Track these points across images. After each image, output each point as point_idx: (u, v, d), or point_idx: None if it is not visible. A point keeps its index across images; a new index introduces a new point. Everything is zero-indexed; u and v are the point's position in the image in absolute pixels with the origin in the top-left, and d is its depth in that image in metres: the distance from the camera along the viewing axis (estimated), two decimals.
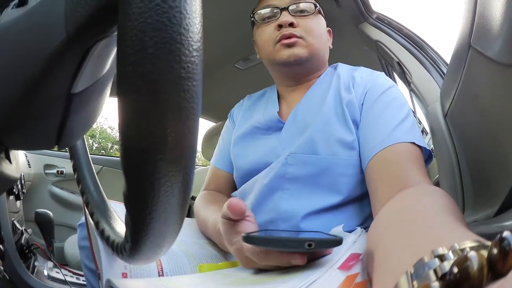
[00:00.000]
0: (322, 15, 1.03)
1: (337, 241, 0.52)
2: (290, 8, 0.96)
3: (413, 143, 0.74)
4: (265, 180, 0.91)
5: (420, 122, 1.47)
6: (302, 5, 0.97)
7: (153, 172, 0.27)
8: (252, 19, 1.03)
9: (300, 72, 0.99)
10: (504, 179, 0.60)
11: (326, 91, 0.95)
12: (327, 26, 1.05)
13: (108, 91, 0.45)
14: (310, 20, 0.97)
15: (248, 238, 0.55)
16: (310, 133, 0.89)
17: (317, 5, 1.00)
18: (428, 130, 1.19)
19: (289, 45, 0.93)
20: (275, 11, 0.97)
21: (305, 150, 0.88)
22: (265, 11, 0.99)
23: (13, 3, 0.37)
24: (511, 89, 0.54)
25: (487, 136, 0.68)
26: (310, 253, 0.57)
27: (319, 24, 1.00)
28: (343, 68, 1.02)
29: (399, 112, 0.81)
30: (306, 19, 0.97)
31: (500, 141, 0.62)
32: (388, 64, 1.58)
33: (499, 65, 0.53)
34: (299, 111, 0.96)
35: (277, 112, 0.99)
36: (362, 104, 0.88)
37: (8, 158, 0.42)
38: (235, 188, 1.08)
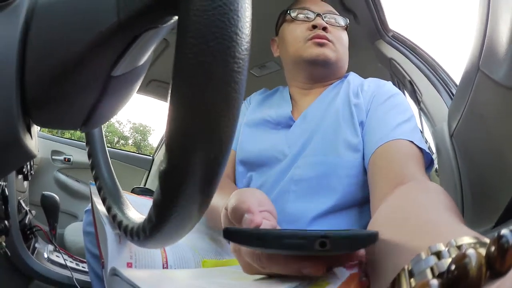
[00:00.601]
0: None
1: (370, 236, 0.37)
2: (325, 16, 1.01)
3: (412, 142, 0.76)
4: (272, 181, 0.92)
5: (426, 141, 1.48)
6: (337, 17, 1.04)
7: (195, 151, 0.30)
8: (286, 15, 1.06)
9: (321, 75, 1.02)
10: (502, 197, 0.62)
11: (336, 95, 0.98)
12: None
13: (141, 79, 0.47)
14: (340, 32, 1.03)
15: (228, 233, 0.40)
16: (318, 135, 0.91)
17: (348, 22, 1.07)
18: (434, 150, 1.20)
19: (321, 44, 0.97)
20: (310, 14, 1.02)
21: (312, 152, 0.90)
22: (302, 11, 1.03)
23: None
24: None
25: (489, 156, 0.70)
26: (330, 259, 0.42)
27: (346, 38, 1.05)
28: (353, 76, 1.05)
29: (402, 115, 0.84)
30: (337, 30, 1.02)
31: (501, 161, 0.64)
32: (400, 82, 1.59)
33: (504, 88, 0.55)
34: (310, 113, 0.98)
35: (290, 111, 1.02)
36: (369, 108, 0.91)
37: (30, 132, 0.42)
38: None
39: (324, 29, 0.98)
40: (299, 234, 0.35)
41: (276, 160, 0.95)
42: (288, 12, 1.06)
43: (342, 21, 1.05)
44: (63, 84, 0.37)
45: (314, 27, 0.99)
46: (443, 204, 0.49)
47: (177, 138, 0.30)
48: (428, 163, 0.79)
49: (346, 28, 1.07)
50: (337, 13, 1.05)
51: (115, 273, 0.50)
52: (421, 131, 1.42)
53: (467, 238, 0.28)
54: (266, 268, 0.45)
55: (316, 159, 0.89)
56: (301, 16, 1.03)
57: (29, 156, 0.41)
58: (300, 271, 0.41)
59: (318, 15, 1.01)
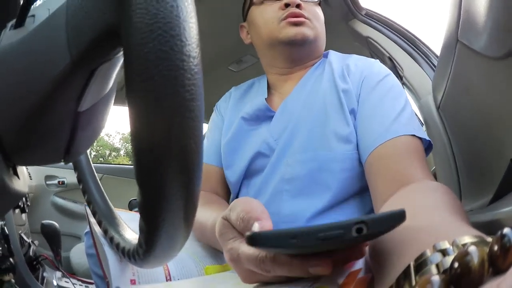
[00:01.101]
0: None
1: (401, 214, 0.35)
2: None
3: (413, 135, 0.72)
4: (264, 182, 0.89)
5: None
6: None
7: (165, 183, 0.29)
8: None
9: (300, 55, 0.95)
10: (498, 167, 0.61)
11: (319, 81, 0.92)
12: None
13: (111, 104, 0.46)
14: (315, 8, 0.95)
15: (256, 239, 0.35)
16: (305, 126, 0.87)
17: None
18: (422, 122, 1.20)
19: (297, 24, 0.89)
20: None
21: (301, 147, 0.85)
22: None
23: (10, 24, 0.38)
24: (498, 80, 0.55)
25: (480, 126, 0.70)
26: (336, 256, 0.41)
27: (321, 13, 0.98)
28: (334, 55, 0.99)
29: (397, 102, 0.79)
30: (311, 6, 0.94)
31: (492, 131, 0.63)
32: (379, 60, 1.59)
33: (486, 58, 0.55)
34: (291, 101, 0.92)
35: (265, 99, 0.95)
36: (360, 92, 0.85)
37: (16, 173, 0.43)
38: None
39: (298, 6, 0.90)
40: (334, 225, 0.34)
41: (264, 157, 0.90)
42: None
43: None
44: (33, 127, 0.37)
45: (287, 5, 0.90)
46: (448, 204, 0.49)
47: (144, 173, 0.30)
48: (425, 146, 0.76)
49: (320, 4, 0.99)
50: None
51: None
52: None
53: (470, 237, 0.28)
54: (271, 272, 0.42)
55: (306, 156, 0.84)
56: None
57: (19, 196, 0.41)
58: (307, 271, 0.39)
59: None
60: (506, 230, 0.22)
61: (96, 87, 0.38)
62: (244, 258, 0.45)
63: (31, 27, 0.35)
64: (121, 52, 0.36)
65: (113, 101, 0.46)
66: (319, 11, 0.97)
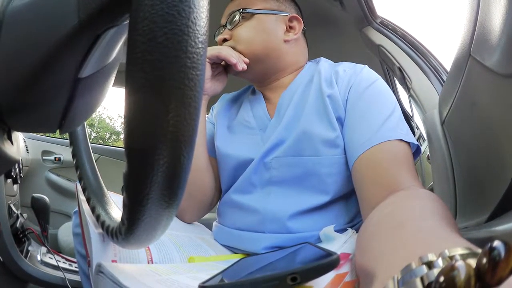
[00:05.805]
0: (264, 13, 0.99)
1: (331, 263, 0.40)
2: (227, 24, 1.01)
3: (401, 140, 0.73)
4: (253, 183, 0.91)
5: (417, 128, 1.48)
6: (230, 19, 1.01)
7: (154, 153, 0.29)
8: None
9: (256, 77, 1.02)
10: (497, 186, 0.60)
11: (307, 87, 0.94)
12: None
13: (112, 78, 0.46)
14: (240, 29, 0.99)
15: None
16: (292, 131, 0.88)
17: (246, 9, 0.99)
18: (425, 137, 1.19)
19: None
20: (220, 29, 1.05)
21: (288, 151, 0.87)
22: (218, 32, 1.06)
23: None
24: (505, 98, 0.54)
25: (483, 144, 0.69)
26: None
27: (251, 27, 0.98)
28: (324, 63, 1.01)
29: (385, 108, 0.80)
30: (237, 29, 0.99)
31: (495, 149, 0.63)
32: (389, 69, 1.58)
33: (497, 75, 0.54)
34: (282, 108, 0.95)
35: (262, 106, 1.00)
36: (347, 100, 0.86)
37: (10, 139, 0.43)
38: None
39: (225, 40, 1.00)
40: (270, 277, 0.38)
41: (252, 160, 0.93)
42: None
43: (235, 17, 0.99)
44: (32, 90, 0.36)
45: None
46: (437, 212, 0.48)
47: (133, 141, 0.29)
48: (413, 149, 0.77)
49: (254, 13, 0.98)
50: (235, 8, 1.00)
51: (100, 269, 0.50)
52: (411, 117, 1.42)
53: (460, 249, 0.27)
54: None
55: (293, 160, 0.86)
56: (218, 36, 1.04)
57: (11, 162, 0.41)
58: None
59: (223, 26, 1.03)
60: (496, 243, 0.21)
61: (99, 54, 0.38)
62: None
63: None
64: (128, 20, 0.35)
65: (114, 74, 0.46)
66: (246, 27, 0.98)
